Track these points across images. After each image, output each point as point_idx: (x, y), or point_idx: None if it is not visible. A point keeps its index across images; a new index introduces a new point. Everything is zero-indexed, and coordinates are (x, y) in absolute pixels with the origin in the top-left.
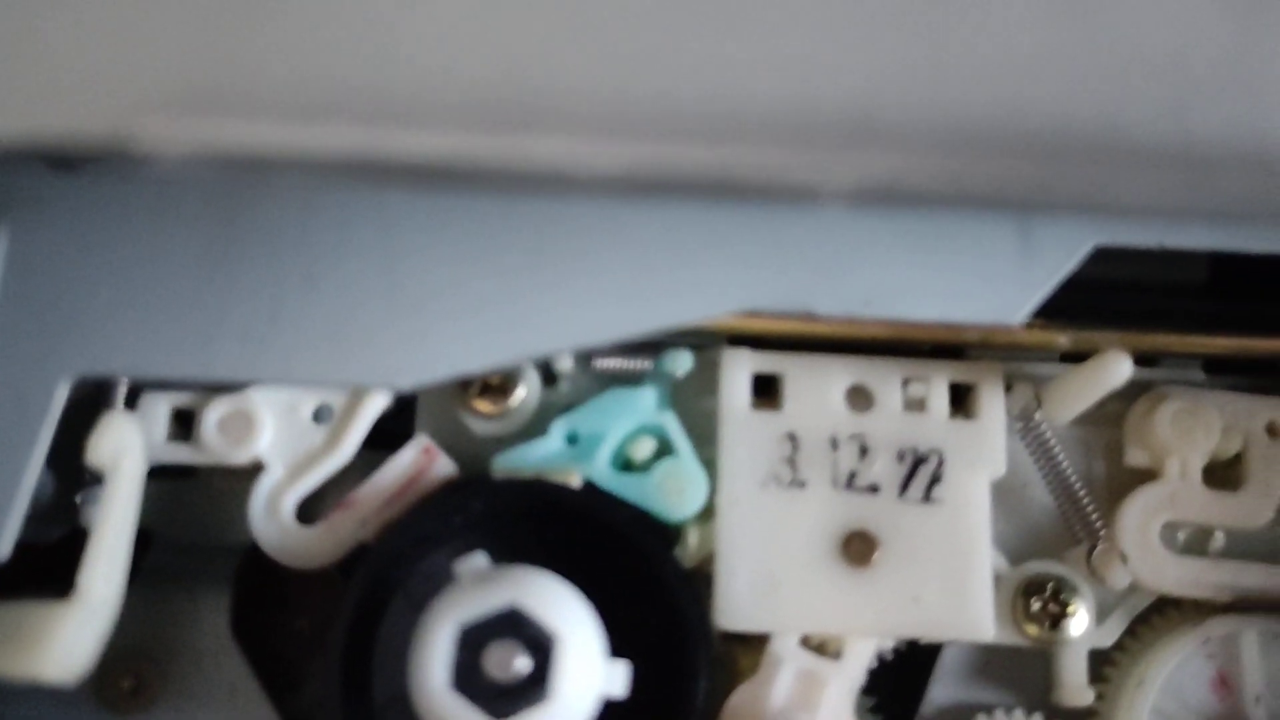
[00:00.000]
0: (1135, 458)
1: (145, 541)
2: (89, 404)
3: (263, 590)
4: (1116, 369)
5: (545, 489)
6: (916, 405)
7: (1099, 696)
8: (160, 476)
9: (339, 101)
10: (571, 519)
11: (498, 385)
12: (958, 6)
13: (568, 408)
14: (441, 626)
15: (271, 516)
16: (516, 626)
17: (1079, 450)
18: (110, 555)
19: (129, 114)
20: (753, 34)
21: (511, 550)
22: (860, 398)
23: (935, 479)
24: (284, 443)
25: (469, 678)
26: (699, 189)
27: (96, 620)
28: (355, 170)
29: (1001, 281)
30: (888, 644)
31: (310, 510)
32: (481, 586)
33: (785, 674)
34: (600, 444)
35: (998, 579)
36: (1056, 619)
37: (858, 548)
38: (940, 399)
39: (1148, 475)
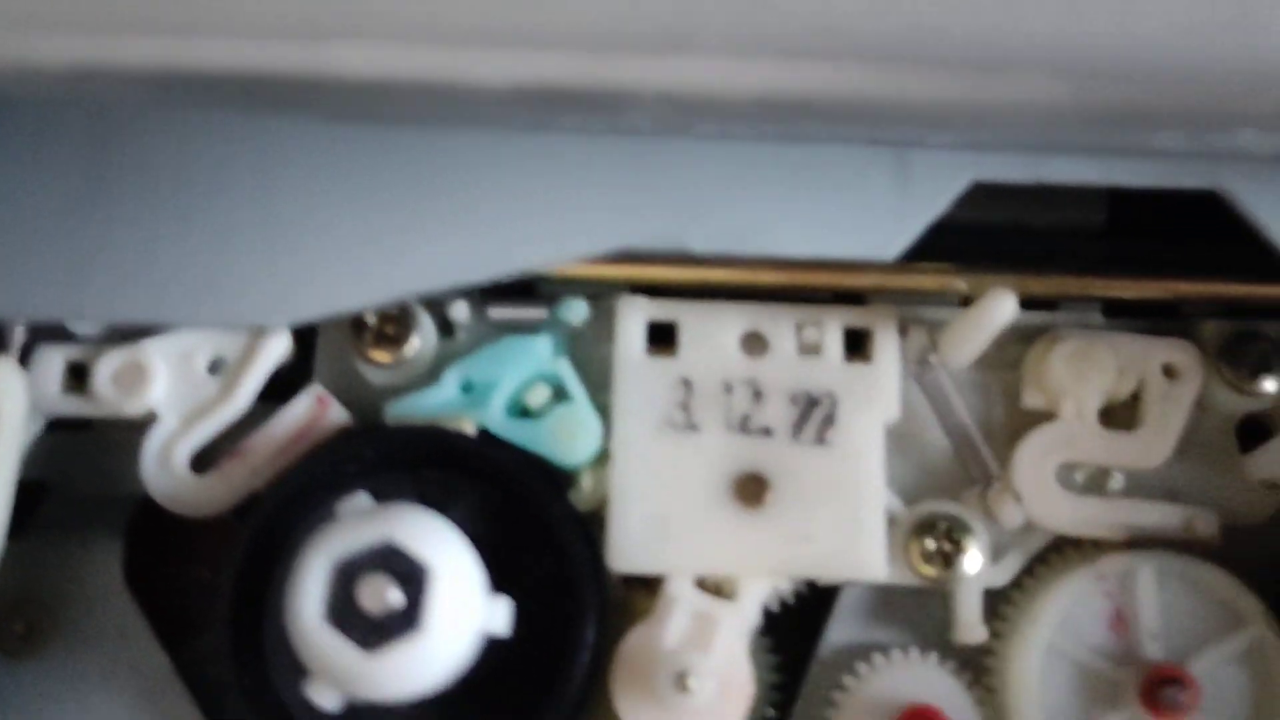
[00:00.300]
0: (1032, 399)
1: (41, 493)
2: None
3: (163, 540)
4: (1001, 308)
5: (437, 435)
6: (811, 350)
7: (996, 634)
8: (57, 429)
9: (146, 12)
10: (464, 465)
11: (393, 335)
12: None
13: (464, 358)
14: (316, 561)
15: (164, 466)
16: (390, 560)
17: (979, 393)
18: None
19: None
20: None
21: (404, 497)
22: (755, 343)
23: (828, 422)
24: (177, 394)
25: (342, 611)
26: (574, 109)
27: None
28: (165, 83)
29: (878, 217)
30: (787, 586)
31: (207, 461)
32: (357, 522)
33: (679, 615)
34: (494, 391)
35: (892, 520)
36: (950, 558)
37: (750, 489)
38: (834, 343)
39: (1045, 417)
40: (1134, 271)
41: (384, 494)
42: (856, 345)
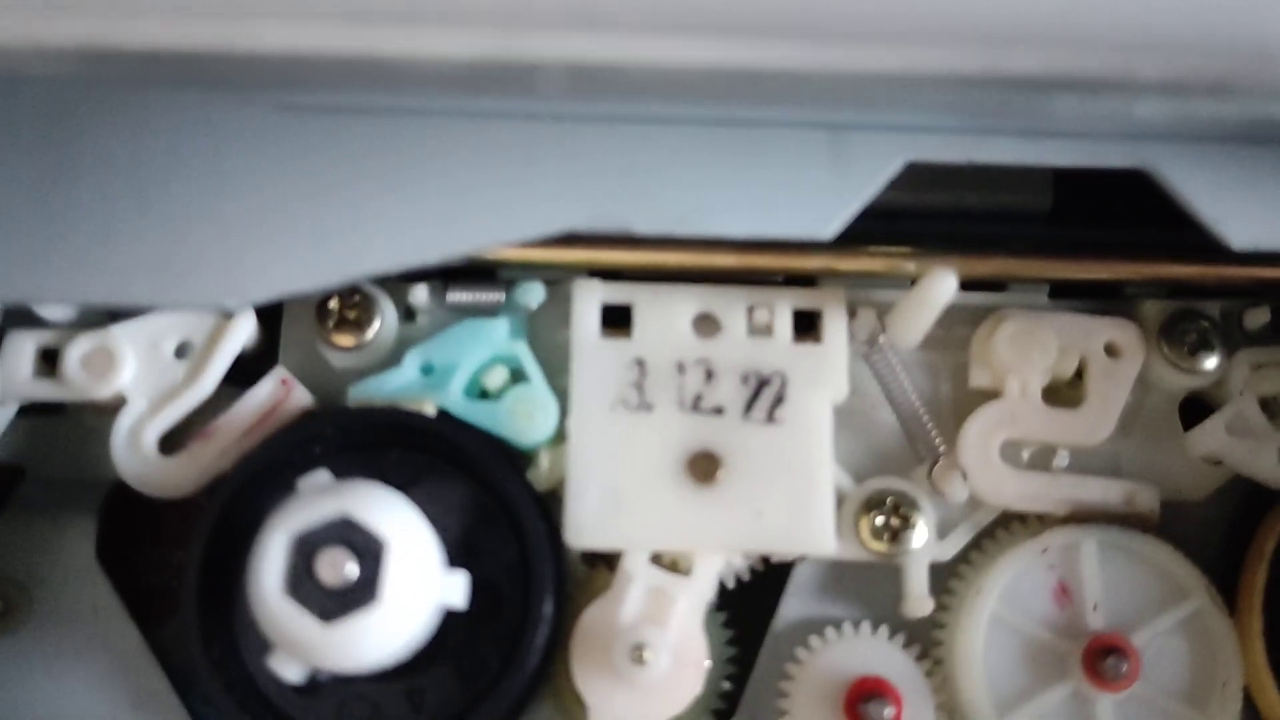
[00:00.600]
0: (979, 378)
1: (17, 476)
2: None
3: (136, 523)
4: (943, 285)
5: (396, 416)
6: (762, 331)
7: (944, 608)
8: (31, 413)
9: None
10: (425, 445)
11: (355, 319)
12: None
13: (425, 341)
14: (276, 535)
15: (133, 448)
16: (347, 533)
17: (928, 373)
18: None
19: None
20: None
21: (366, 476)
22: (707, 324)
23: (778, 400)
24: (146, 377)
25: (301, 583)
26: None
27: None
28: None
29: (815, 197)
30: (741, 562)
31: (175, 443)
32: (315, 497)
33: (635, 590)
34: (454, 374)
35: (841, 496)
36: (898, 533)
37: (703, 466)
38: (784, 324)
39: (991, 395)
40: (1078, 254)
41: (346, 473)
42: (806, 326)
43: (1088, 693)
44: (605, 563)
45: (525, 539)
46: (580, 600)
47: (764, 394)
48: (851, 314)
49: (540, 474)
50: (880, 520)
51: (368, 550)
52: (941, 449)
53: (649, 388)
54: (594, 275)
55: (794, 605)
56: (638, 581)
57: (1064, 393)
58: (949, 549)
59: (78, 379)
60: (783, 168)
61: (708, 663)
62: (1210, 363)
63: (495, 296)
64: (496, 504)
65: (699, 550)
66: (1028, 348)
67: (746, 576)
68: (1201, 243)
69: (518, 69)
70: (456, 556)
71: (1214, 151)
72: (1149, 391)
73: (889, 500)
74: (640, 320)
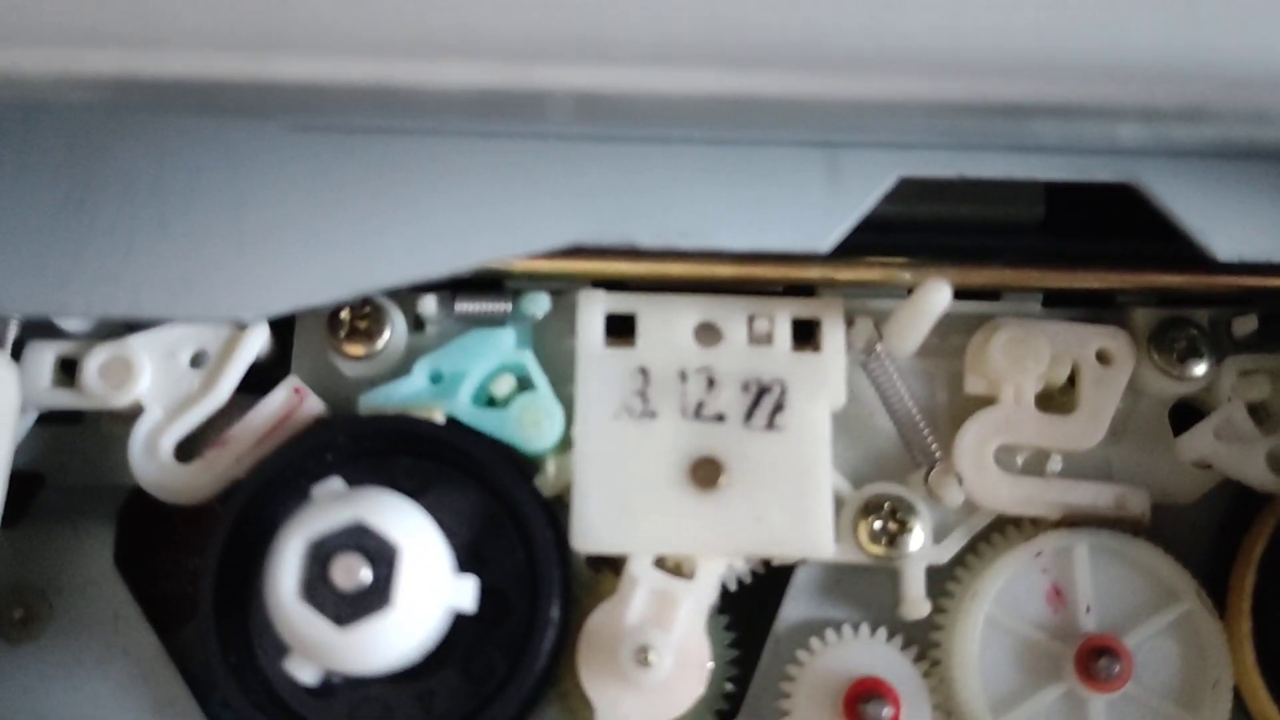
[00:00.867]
0: (974, 386)
1: (37, 484)
2: None
3: (155, 531)
4: (937, 296)
5: (407, 423)
6: (762, 339)
7: (942, 610)
8: (50, 422)
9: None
10: (434, 452)
11: (366, 329)
12: None
13: (434, 351)
14: (292, 541)
15: (150, 455)
16: (361, 539)
17: (924, 381)
18: None
19: None
20: None
21: (377, 483)
22: (708, 333)
23: (778, 408)
24: (162, 386)
25: (316, 588)
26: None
27: None
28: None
29: (812, 212)
30: (743, 566)
31: (190, 451)
32: (330, 504)
33: (640, 593)
34: (462, 382)
35: (840, 501)
36: (895, 537)
37: (705, 472)
38: (783, 333)
39: (986, 402)
40: (1070, 264)
41: (358, 480)
42: (806, 335)
43: (1081, 693)
44: (610, 567)
45: (532, 544)
46: (586, 604)
47: (764, 401)
48: (849, 323)
49: (547, 480)
50: (878, 524)
51: (381, 556)
52: (938, 455)
53: (652, 395)
54: (598, 286)
55: (795, 608)
56: (642, 585)
57: (1057, 399)
58: (945, 552)
59: (96, 388)
60: (780, 184)
61: (711, 664)
62: (1199, 369)
63: (502, 307)
64: (504, 510)
65: (702, 554)
66: (1021, 355)
67: (748, 580)
68: (1190, 253)
69: (527, 98)
70: (465, 561)
71: (1199, 166)
72: (1140, 397)
73: (887, 505)
74: (643, 330)
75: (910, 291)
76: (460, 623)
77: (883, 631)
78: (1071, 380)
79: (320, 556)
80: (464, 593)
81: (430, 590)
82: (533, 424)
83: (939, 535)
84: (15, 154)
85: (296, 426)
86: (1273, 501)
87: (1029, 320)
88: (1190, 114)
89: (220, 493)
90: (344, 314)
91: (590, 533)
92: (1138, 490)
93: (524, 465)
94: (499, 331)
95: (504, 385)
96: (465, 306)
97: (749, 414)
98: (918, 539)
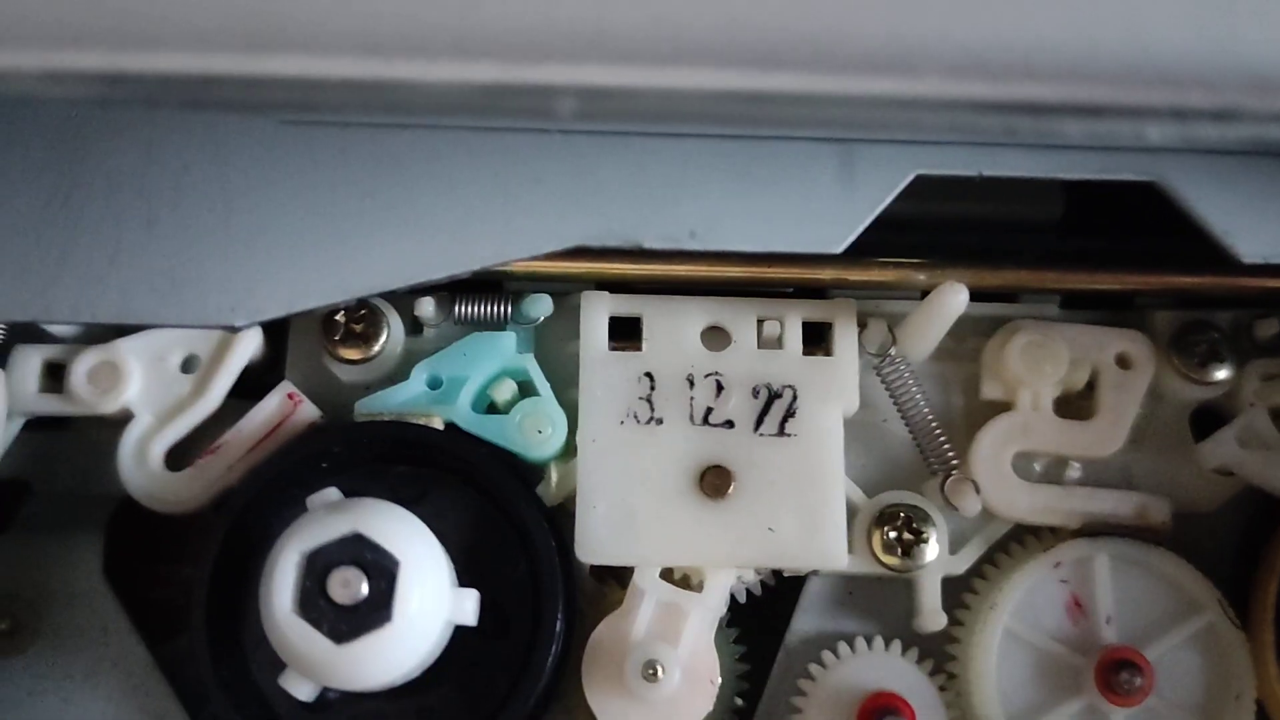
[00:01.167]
0: (991, 390)
1: (24, 492)
2: None
3: (146, 540)
4: (954, 298)
5: (405, 430)
6: (772, 343)
7: (958, 622)
8: (38, 429)
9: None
10: (433, 459)
11: (362, 333)
12: None
13: (433, 354)
14: (287, 553)
15: (140, 463)
16: (359, 552)
17: (939, 385)
18: None
19: None
20: None
21: (374, 492)
22: (717, 337)
23: (789, 414)
24: (152, 392)
25: (312, 602)
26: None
27: None
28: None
29: (824, 211)
30: (753, 577)
31: (181, 458)
32: (326, 515)
33: (647, 606)
34: (461, 387)
35: (853, 510)
36: (910, 547)
37: (713, 481)
38: (794, 336)
39: (1003, 407)
40: (1089, 265)
41: (354, 488)
42: (817, 338)
43: (1101, 707)
44: (615, 578)
45: (535, 555)
46: (591, 616)
47: (775, 407)
48: (862, 326)
49: (549, 489)
50: (893, 534)
51: (380, 569)
52: (954, 462)
53: (658, 401)
54: (602, 287)
55: (806, 620)
56: (649, 598)
57: (1075, 404)
58: (962, 563)
59: (84, 393)
60: (793, 182)
61: (719, 679)
62: (1221, 374)
63: (503, 309)
64: (505, 519)
65: (710, 565)
66: (1039, 359)
67: (758, 591)
68: (1212, 253)
69: (533, 94)
70: (465, 573)
71: (1224, 165)
72: (1160, 403)
73: (901, 514)
74: (649, 333)
75: (925, 293)
76: (461, 636)
77: (897, 644)
78: (1090, 385)
79: (316, 569)
80: (465, 606)
81: (431, 604)
82: (534, 431)
83: (955, 545)
84: None
85: (290, 433)
86: None
87: (1047, 323)
88: (1220, 114)
89: (212, 502)
90: (339, 317)
91: (595, 543)
92: (1159, 498)
93: (526, 473)
94: (500, 335)
95: (505, 390)
96: (465, 309)
97: (759, 420)
98: (933, 549)
